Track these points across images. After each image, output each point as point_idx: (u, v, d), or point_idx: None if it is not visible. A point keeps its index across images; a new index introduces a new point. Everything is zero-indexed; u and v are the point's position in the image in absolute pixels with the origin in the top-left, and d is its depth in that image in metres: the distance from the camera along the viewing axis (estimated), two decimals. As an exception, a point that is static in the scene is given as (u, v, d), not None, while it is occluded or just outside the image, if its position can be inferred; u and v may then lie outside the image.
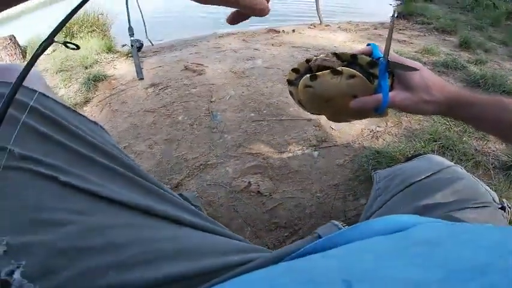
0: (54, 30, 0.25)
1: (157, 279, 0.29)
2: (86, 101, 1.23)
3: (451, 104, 0.44)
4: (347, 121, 0.60)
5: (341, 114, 0.52)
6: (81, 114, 0.40)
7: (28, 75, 0.23)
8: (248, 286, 0.25)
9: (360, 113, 0.49)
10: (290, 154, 1.00)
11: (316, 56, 0.47)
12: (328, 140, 1.05)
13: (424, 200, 0.52)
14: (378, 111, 0.44)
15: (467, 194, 0.50)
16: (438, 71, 1.47)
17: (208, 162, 0.97)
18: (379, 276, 0.21)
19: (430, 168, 0.58)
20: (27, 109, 0.32)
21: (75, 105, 1.19)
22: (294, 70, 0.49)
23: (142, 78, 1.37)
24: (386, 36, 0.43)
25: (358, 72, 0.42)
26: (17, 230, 0.26)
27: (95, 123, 0.41)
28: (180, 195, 0.85)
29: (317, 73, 0.44)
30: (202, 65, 1.49)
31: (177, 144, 1.02)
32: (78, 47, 0.29)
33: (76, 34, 1.80)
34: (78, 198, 0.30)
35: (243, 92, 1.27)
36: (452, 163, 0.59)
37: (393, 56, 0.43)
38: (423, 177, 0.57)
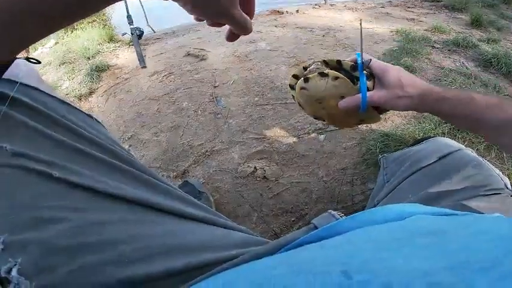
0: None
1: (153, 274, 0.29)
2: (91, 92, 1.23)
3: (423, 98, 0.48)
4: (349, 126, 0.66)
5: (336, 116, 0.58)
6: (76, 108, 0.39)
7: (19, 71, 0.22)
8: (242, 277, 0.25)
9: (351, 115, 0.55)
10: (296, 138, 0.99)
11: (310, 64, 0.54)
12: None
13: (432, 187, 0.51)
14: (361, 109, 0.50)
15: (478, 180, 0.48)
16: (449, 50, 1.42)
17: (214, 149, 0.97)
18: (379, 267, 0.21)
19: (438, 151, 0.57)
20: (8, 100, 0.30)
21: (80, 96, 1.18)
22: (294, 76, 0.56)
23: (145, 67, 1.35)
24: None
25: (341, 74, 0.49)
26: (13, 228, 0.26)
27: (90, 116, 0.40)
28: (186, 182, 0.86)
29: (309, 75, 0.51)
30: (204, 50, 1.46)
31: (182, 131, 1.01)
32: (39, 62, 0.31)
33: (77, 25, 1.78)
34: (73, 194, 0.30)
35: (246, 76, 1.25)
36: (462, 146, 0.58)
37: (373, 61, 0.51)
38: (432, 161, 0.55)
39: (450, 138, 0.92)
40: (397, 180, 0.59)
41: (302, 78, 0.53)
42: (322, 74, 0.50)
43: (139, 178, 0.37)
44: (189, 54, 1.43)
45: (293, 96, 0.58)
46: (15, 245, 0.25)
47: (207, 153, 0.95)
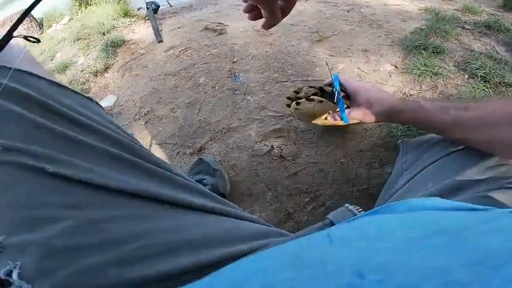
0: (13, 26, 0.23)
1: (160, 274, 0.27)
2: (106, 68, 1.23)
3: (388, 113, 0.58)
4: (342, 128, 0.89)
5: (327, 125, 0.83)
6: (74, 91, 0.37)
7: (10, 54, 0.21)
8: (247, 277, 0.24)
9: (339, 124, 0.73)
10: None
11: (300, 88, 0.72)
12: (350, 120, 0.99)
13: (453, 176, 0.47)
14: (345, 122, 0.67)
15: (501, 172, 0.45)
16: (479, 32, 1.30)
17: (231, 126, 0.96)
18: (394, 267, 0.20)
19: None
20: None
21: (96, 72, 1.19)
22: (288, 98, 0.74)
23: (161, 41, 1.33)
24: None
25: (323, 98, 0.67)
26: (10, 229, 0.25)
27: (90, 99, 0.38)
28: (200, 160, 0.86)
29: (299, 101, 0.70)
30: (222, 24, 1.41)
31: (199, 108, 1.01)
32: (38, 41, 0.29)
33: (91, 1, 1.76)
34: (71, 190, 0.28)
35: (266, 51, 1.20)
36: None
37: (346, 82, 0.66)
38: (454, 150, 0.51)
39: None
40: (417, 170, 0.55)
41: (294, 101, 0.71)
42: (309, 99, 0.68)
43: (144, 168, 0.34)
44: (206, 29, 1.39)
45: (290, 111, 0.77)
46: (13, 247, 0.24)
47: (223, 131, 0.95)
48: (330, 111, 0.70)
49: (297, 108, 0.72)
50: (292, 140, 0.90)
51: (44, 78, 0.34)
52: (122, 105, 1.07)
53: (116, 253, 0.27)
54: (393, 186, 0.61)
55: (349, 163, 0.84)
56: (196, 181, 0.82)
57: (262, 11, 0.40)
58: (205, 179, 0.83)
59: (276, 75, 1.09)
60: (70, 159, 0.29)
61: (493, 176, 0.44)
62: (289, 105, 0.74)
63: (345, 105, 0.65)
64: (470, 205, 0.30)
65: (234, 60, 1.14)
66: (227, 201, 0.43)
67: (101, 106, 0.42)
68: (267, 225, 0.44)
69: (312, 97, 0.68)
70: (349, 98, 0.65)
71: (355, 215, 0.39)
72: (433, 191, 0.47)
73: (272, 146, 0.89)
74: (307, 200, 0.81)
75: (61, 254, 0.25)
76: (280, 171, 0.86)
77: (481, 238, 0.21)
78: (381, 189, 0.79)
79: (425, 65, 1.07)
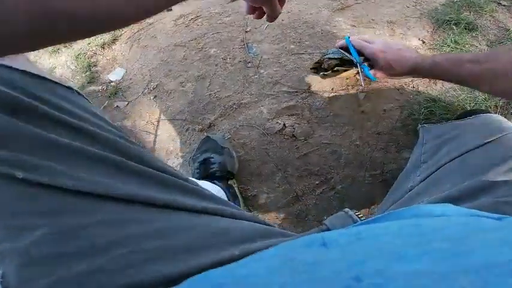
0: None
1: (142, 285, 0.26)
2: (114, 39, 1.18)
3: (408, 73, 0.64)
4: None
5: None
6: (52, 81, 0.33)
7: None
8: (237, 281, 0.22)
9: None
10: (332, 94, 0.89)
11: (322, 60, 0.79)
12: (378, 79, 0.91)
13: (473, 178, 0.42)
14: (372, 79, 0.73)
15: None
16: None
17: (242, 101, 0.91)
18: (393, 273, 0.19)
19: (486, 134, 0.48)
20: None
21: (103, 44, 1.14)
22: (312, 68, 0.85)
23: (170, 9, 1.25)
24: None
25: (347, 68, 0.74)
26: None
27: (71, 89, 0.35)
28: (208, 137, 0.83)
29: (325, 73, 0.78)
30: (237, -13, 1.31)
31: (209, 81, 0.96)
32: None
33: None
34: (45, 197, 0.26)
35: (282, 20, 1.11)
36: None
37: (361, 47, 0.70)
38: (477, 145, 0.46)
39: (503, 112, 0.78)
40: (437, 165, 0.51)
41: (321, 73, 0.80)
42: (334, 70, 0.75)
43: (127, 168, 0.32)
44: (220, -7, 1.30)
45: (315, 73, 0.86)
46: None
47: (234, 106, 0.91)
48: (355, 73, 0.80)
49: (325, 75, 0.79)
50: (306, 118, 0.86)
51: (17, 70, 0.31)
52: (130, 79, 1.04)
53: (97, 261, 0.26)
54: (409, 179, 0.56)
55: (364, 146, 0.79)
56: (204, 159, 0.82)
57: (264, 9, 0.47)
58: (212, 157, 0.81)
59: (292, 46, 1.02)
60: (43, 163, 0.27)
61: None
62: (315, 72, 0.83)
63: (367, 64, 0.70)
64: (480, 212, 0.29)
65: (247, 29, 1.07)
66: (221, 198, 0.40)
67: (81, 94, 0.38)
68: (266, 224, 0.41)
69: (336, 68, 0.74)
70: (369, 59, 0.69)
71: (354, 221, 0.37)
72: (451, 192, 0.43)
73: (284, 125, 0.85)
74: (317, 182, 0.79)
75: (41, 263, 0.24)
76: (291, 152, 0.82)
77: (485, 247, 0.20)
78: (395, 175, 0.74)
79: (455, 42, 0.96)
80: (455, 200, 0.41)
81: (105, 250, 0.26)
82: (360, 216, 0.38)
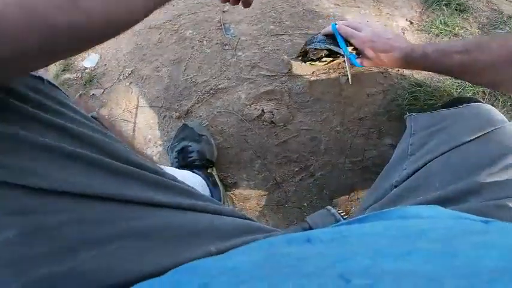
0: None
1: (118, 285, 0.25)
2: None
3: (397, 64, 0.62)
4: None
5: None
6: None
7: None
8: (216, 276, 0.22)
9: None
10: (313, 78, 0.86)
11: (306, 50, 0.78)
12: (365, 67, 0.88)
13: (467, 175, 0.41)
14: (359, 66, 0.70)
15: None
16: None
17: (219, 86, 0.88)
18: (379, 269, 0.19)
19: (478, 127, 0.45)
20: None
21: None
22: (298, 56, 0.83)
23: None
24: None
25: (333, 58, 0.76)
26: None
27: (41, 79, 0.32)
28: (185, 125, 0.80)
29: (312, 63, 0.80)
30: (217, -38, 1.24)
31: (185, 65, 0.92)
32: None
33: None
34: (16, 197, 0.25)
35: (262, -1, 1.06)
36: (505, 119, 0.46)
37: (348, 35, 0.67)
38: (469, 139, 0.44)
39: (491, 98, 0.76)
40: (425, 159, 0.48)
41: (308, 62, 0.80)
42: (320, 60, 0.76)
43: (102, 164, 0.30)
44: (199, -31, 1.22)
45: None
46: None
47: (211, 92, 0.87)
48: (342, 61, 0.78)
49: (311, 64, 0.80)
50: (285, 103, 0.83)
51: None
52: (105, 65, 0.99)
53: (70, 262, 0.25)
54: (395, 171, 0.54)
55: (345, 132, 0.77)
56: (182, 148, 0.79)
57: None
58: (190, 146, 0.78)
59: (271, 27, 0.97)
60: (11, 161, 0.25)
61: (508, 178, 0.39)
62: (302, 60, 0.82)
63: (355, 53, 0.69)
64: (467, 215, 0.28)
65: (225, 9, 1.01)
66: (199, 193, 0.39)
67: (51, 84, 0.35)
68: (245, 218, 0.40)
69: (323, 59, 0.74)
70: (357, 48, 0.68)
71: (337, 220, 0.36)
72: (439, 194, 0.41)
73: (263, 110, 0.82)
74: (296, 169, 0.77)
75: (11, 264, 0.23)
76: (271, 138, 0.80)
77: (471, 251, 0.20)
78: (376, 162, 0.73)
79: (445, 23, 0.93)
80: (443, 202, 0.40)
81: (78, 251, 0.25)
82: (342, 214, 0.37)
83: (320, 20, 0.99)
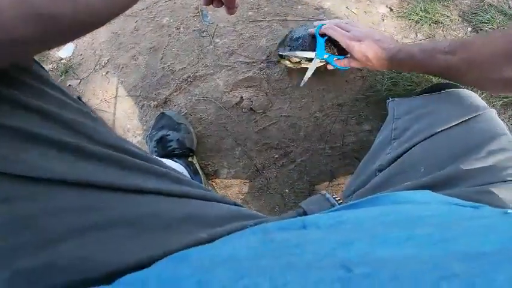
0: None
1: (104, 276, 0.24)
2: None
3: (386, 67, 0.60)
4: None
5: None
6: None
7: None
8: (215, 266, 0.21)
9: None
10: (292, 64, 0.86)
11: (286, 55, 0.75)
12: (352, 68, 0.87)
13: (451, 161, 0.41)
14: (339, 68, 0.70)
15: (505, 158, 0.39)
16: None
17: (197, 74, 0.86)
18: (378, 256, 0.19)
19: (461, 112, 0.46)
20: None
21: None
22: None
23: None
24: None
25: (313, 66, 0.72)
26: None
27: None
28: (163, 114, 0.79)
29: (292, 66, 0.77)
30: None
31: (162, 53, 0.90)
32: None
33: None
34: None
35: (242, -16, 1.04)
36: (486, 105, 0.46)
37: (334, 36, 0.66)
38: (452, 124, 0.45)
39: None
40: (409, 144, 0.48)
41: (285, 64, 0.77)
42: (299, 63, 0.74)
43: (85, 150, 0.28)
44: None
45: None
46: None
47: (189, 79, 0.86)
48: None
49: (288, 66, 0.77)
50: (263, 90, 0.82)
51: None
52: (81, 55, 0.96)
53: (55, 253, 0.24)
54: (379, 156, 0.54)
55: (324, 118, 0.77)
56: (161, 137, 0.77)
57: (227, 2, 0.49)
58: (169, 135, 0.77)
59: (250, 13, 0.95)
60: None
61: (494, 164, 0.39)
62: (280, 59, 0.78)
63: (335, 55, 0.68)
64: (458, 200, 0.29)
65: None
66: (187, 178, 0.38)
67: (40, 66, 0.33)
68: (235, 204, 0.39)
69: (301, 65, 0.73)
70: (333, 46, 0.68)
71: (332, 204, 0.35)
72: (426, 180, 0.41)
73: (242, 98, 0.82)
74: (276, 156, 0.77)
75: None
76: (250, 125, 0.79)
77: (470, 236, 0.20)
78: (355, 148, 0.74)
79: (425, 10, 0.93)
80: (430, 187, 0.39)
81: (60, 241, 0.24)
82: (337, 199, 0.37)
83: (299, 6, 0.98)
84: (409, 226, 0.22)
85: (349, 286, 0.17)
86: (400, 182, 0.44)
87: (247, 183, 0.78)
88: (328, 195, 0.37)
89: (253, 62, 0.85)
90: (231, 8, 0.51)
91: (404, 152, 0.49)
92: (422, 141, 0.48)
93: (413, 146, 0.48)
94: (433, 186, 0.40)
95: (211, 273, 0.20)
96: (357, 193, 0.52)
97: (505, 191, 0.36)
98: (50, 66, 0.98)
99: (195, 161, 0.79)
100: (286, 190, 0.76)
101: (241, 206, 0.40)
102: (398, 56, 0.56)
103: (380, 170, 0.51)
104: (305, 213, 0.34)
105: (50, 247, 0.24)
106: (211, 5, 0.51)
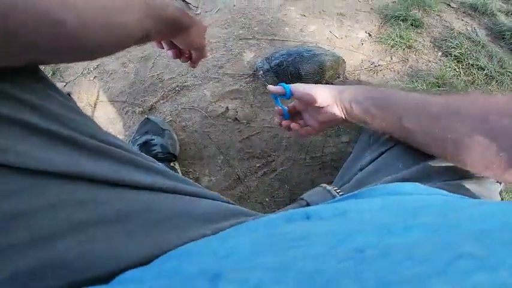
0: None
1: (102, 276, 0.23)
2: None
3: (332, 101, 0.53)
4: None
5: None
6: None
7: None
8: (217, 261, 0.20)
9: None
10: (278, 80, 0.90)
11: None
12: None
13: (426, 159, 0.43)
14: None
15: None
16: (464, 12, 1.24)
17: (185, 84, 0.88)
18: (388, 243, 0.19)
19: None
20: None
21: None
22: None
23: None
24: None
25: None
26: None
27: None
28: (147, 119, 0.80)
29: None
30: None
31: (153, 63, 0.92)
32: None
33: None
34: None
35: (234, 5, 1.10)
36: None
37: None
38: None
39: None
40: (387, 145, 0.51)
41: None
42: None
43: (77, 142, 0.27)
44: (173, -24, 1.25)
45: None
46: None
47: (177, 89, 0.88)
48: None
49: None
50: (249, 102, 0.85)
51: None
52: (70, 57, 0.98)
53: (48, 252, 0.22)
54: (359, 159, 0.57)
55: (305, 129, 0.80)
56: (145, 142, 0.78)
57: (193, 53, 0.55)
58: (153, 139, 0.77)
59: (240, 31, 1.00)
60: None
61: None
62: None
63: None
64: (444, 192, 0.29)
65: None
66: (181, 176, 0.37)
67: None
68: (228, 202, 0.39)
69: None
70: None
71: (333, 196, 0.36)
72: (405, 174, 0.43)
73: (227, 108, 0.84)
74: (258, 165, 0.78)
75: None
76: (234, 135, 0.81)
77: (473, 223, 0.20)
78: (334, 158, 0.76)
79: (400, 36, 1.01)
80: (408, 181, 0.41)
81: (57, 238, 0.23)
82: (338, 191, 0.37)
83: (286, 28, 1.04)
84: (412, 217, 0.22)
85: (362, 263, 0.17)
86: (382, 177, 0.46)
87: (228, 192, 0.78)
88: (329, 188, 0.37)
89: (240, 76, 0.89)
90: (195, 63, 0.57)
91: (383, 152, 0.51)
92: (398, 143, 0.50)
93: (391, 147, 0.51)
94: (410, 180, 0.42)
95: (217, 269, 0.19)
96: (342, 188, 0.53)
97: (472, 185, 0.39)
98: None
99: (177, 166, 0.79)
100: (267, 199, 0.77)
101: (235, 204, 0.39)
102: (340, 96, 0.52)
103: (361, 170, 0.53)
104: (308, 205, 0.34)
105: (45, 245, 0.22)
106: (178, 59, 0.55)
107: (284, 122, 0.60)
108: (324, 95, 0.52)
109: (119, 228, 0.26)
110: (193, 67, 0.57)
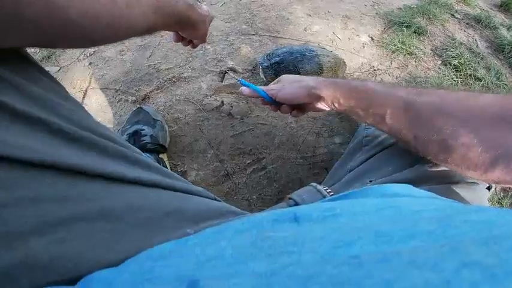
0: None
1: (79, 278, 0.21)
2: None
3: (309, 97, 0.53)
4: None
5: None
6: None
7: None
8: (200, 266, 0.19)
9: None
10: (276, 78, 0.88)
11: None
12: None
13: (418, 163, 0.42)
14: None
15: None
16: (467, 24, 1.23)
17: (182, 75, 0.87)
18: (388, 251, 0.18)
19: None
20: None
21: None
22: None
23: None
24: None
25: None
26: None
27: None
28: (140, 108, 0.78)
29: None
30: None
31: (151, 52, 0.91)
32: None
33: None
34: None
35: (240, 0, 1.09)
36: None
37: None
38: None
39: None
40: (379, 147, 0.50)
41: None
42: None
43: (62, 131, 0.25)
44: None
45: None
46: None
47: (173, 79, 0.86)
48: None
49: None
50: (244, 97, 0.83)
51: None
52: (68, 42, 0.97)
53: (23, 251, 0.20)
54: (350, 160, 0.56)
55: (298, 129, 0.78)
56: (135, 131, 0.76)
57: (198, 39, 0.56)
58: (144, 129, 0.76)
59: (243, 26, 0.99)
60: None
61: (446, 169, 0.41)
62: None
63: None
64: (437, 195, 0.29)
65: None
66: (169, 171, 0.35)
67: None
68: (216, 199, 0.37)
69: None
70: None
71: (323, 196, 0.34)
72: (394, 177, 0.42)
73: (222, 102, 0.82)
74: (248, 162, 0.76)
75: None
76: (226, 130, 0.79)
77: (473, 230, 0.18)
78: (325, 158, 0.74)
79: (402, 42, 1.00)
80: (400, 183, 0.40)
81: (30, 236, 0.21)
82: (328, 191, 0.36)
83: (291, 26, 1.02)
84: (410, 223, 0.20)
85: (360, 268, 0.15)
86: (371, 178, 0.45)
87: (215, 187, 0.77)
88: (319, 187, 0.36)
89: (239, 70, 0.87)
90: (195, 47, 0.59)
91: (374, 154, 0.50)
92: (390, 146, 0.49)
93: (383, 149, 0.50)
94: (399, 182, 0.40)
95: (196, 274, 0.18)
96: (332, 188, 0.52)
97: (461, 190, 0.38)
98: (33, 49, 0.98)
99: (165, 158, 0.78)
100: (254, 196, 0.75)
101: (220, 200, 0.38)
102: (317, 87, 0.51)
103: (351, 170, 0.51)
104: (296, 205, 0.33)
105: (16, 244, 0.20)
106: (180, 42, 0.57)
107: (272, 107, 0.60)
108: (303, 96, 0.53)
109: (103, 226, 0.24)
110: (193, 48, 0.59)
